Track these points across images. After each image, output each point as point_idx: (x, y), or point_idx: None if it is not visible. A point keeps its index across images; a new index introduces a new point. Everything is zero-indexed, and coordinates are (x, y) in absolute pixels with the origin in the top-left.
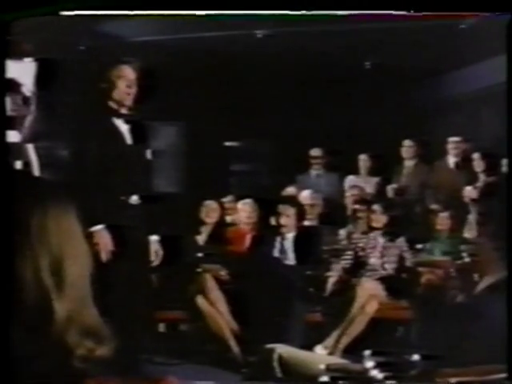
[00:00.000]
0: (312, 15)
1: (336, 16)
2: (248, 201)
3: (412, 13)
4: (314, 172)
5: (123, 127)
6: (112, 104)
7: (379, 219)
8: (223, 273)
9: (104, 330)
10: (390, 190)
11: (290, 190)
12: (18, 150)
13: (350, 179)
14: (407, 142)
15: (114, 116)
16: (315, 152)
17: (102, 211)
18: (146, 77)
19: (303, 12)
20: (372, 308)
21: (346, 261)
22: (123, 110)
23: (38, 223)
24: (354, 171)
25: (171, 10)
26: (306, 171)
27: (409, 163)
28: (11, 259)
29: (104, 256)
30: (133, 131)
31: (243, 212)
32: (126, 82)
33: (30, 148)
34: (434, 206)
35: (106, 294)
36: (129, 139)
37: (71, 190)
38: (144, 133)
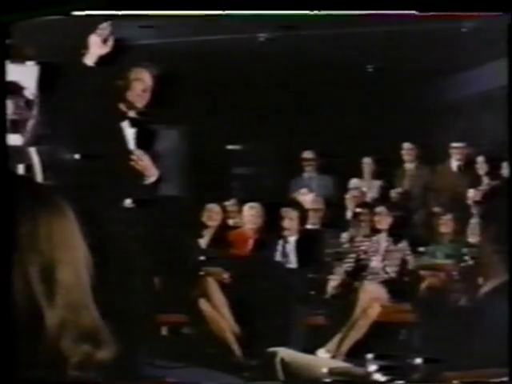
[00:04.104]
0: (314, 15)
1: (335, 16)
2: (255, 205)
3: (413, 13)
4: (315, 175)
5: (129, 130)
6: (122, 106)
7: (383, 221)
8: (225, 276)
9: (103, 332)
10: (394, 194)
11: (303, 192)
12: (20, 154)
13: (353, 182)
14: (407, 145)
15: (121, 118)
16: (308, 154)
17: (103, 214)
18: (159, 83)
19: (306, 12)
20: (374, 311)
21: (348, 264)
22: (131, 113)
23: (31, 228)
24: (358, 174)
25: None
26: (308, 174)
27: (410, 166)
28: (7, 265)
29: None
30: (138, 135)
31: (249, 216)
32: (142, 85)
33: (33, 151)
34: (436, 209)
35: (107, 297)
36: (133, 143)
37: (70, 193)
38: (150, 136)
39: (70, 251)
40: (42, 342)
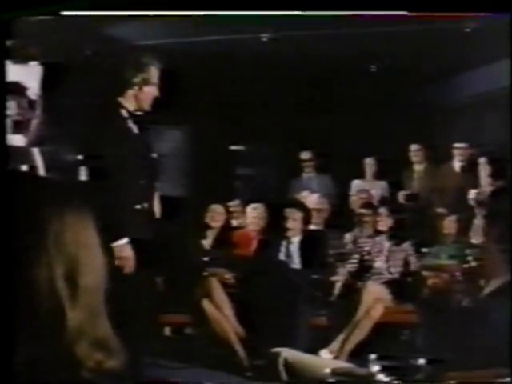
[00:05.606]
0: (317, 16)
1: (338, 16)
2: (258, 205)
3: (416, 13)
4: (315, 175)
5: (136, 130)
6: (130, 105)
7: (384, 222)
8: (229, 276)
9: (115, 343)
10: (402, 195)
11: (304, 195)
12: (23, 154)
13: (356, 183)
14: (414, 147)
15: (125, 118)
16: (306, 155)
17: (111, 217)
18: (165, 81)
19: (309, 13)
20: (377, 312)
21: (351, 264)
22: (138, 112)
23: (55, 230)
24: (360, 175)
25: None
26: (308, 174)
27: (418, 167)
28: (25, 265)
29: (127, 270)
30: (142, 135)
31: (252, 216)
32: (154, 88)
33: (36, 152)
34: (440, 210)
35: (116, 302)
36: (139, 143)
37: (88, 195)
38: (153, 136)
39: (92, 256)
40: (60, 341)
